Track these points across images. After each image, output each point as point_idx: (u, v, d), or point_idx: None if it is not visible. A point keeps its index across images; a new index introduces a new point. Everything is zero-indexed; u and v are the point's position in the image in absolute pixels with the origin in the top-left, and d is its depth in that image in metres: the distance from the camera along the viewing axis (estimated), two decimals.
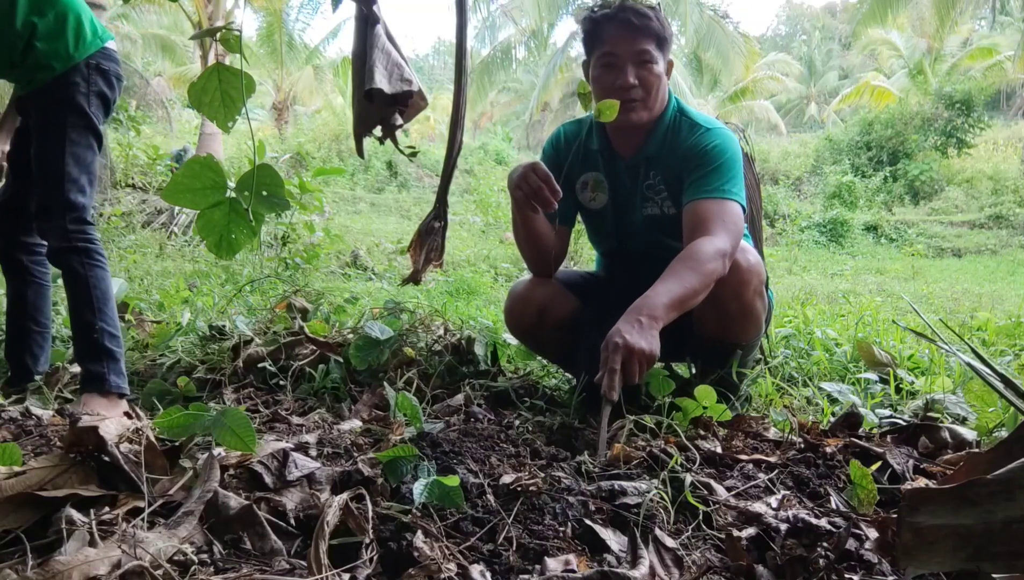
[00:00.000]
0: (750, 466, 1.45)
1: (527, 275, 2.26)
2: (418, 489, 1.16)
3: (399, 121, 2.40)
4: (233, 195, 1.34)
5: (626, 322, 1.62)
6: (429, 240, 2.78)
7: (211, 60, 15.50)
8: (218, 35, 1.36)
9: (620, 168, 2.11)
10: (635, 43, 1.93)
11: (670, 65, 2.03)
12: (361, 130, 2.43)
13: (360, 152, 2.50)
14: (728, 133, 2.02)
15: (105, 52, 2.23)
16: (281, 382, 2.23)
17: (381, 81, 2.27)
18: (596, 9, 1.99)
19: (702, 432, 1.71)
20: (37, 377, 2.34)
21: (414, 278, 2.80)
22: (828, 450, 1.53)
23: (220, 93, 1.37)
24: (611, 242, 2.27)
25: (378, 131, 2.43)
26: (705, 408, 1.77)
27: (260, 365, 2.31)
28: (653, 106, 1.99)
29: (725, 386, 1.97)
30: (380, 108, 2.34)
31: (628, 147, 2.08)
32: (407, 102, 2.37)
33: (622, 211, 2.14)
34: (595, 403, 1.70)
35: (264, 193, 1.36)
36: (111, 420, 1.31)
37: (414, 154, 2.55)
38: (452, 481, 1.18)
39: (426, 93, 2.49)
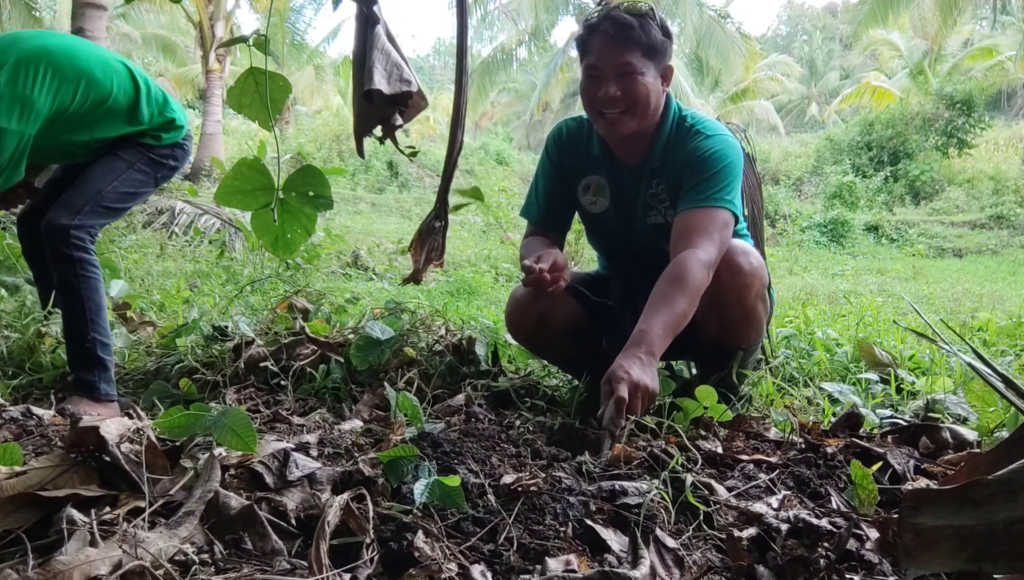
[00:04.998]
0: (751, 466, 1.45)
1: None
2: (419, 489, 1.16)
3: (399, 121, 2.39)
4: (282, 196, 1.36)
5: (628, 358, 1.62)
6: (430, 240, 2.78)
7: (212, 60, 15.54)
8: (251, 40, 1.39)
9: (623, 174, 2.09)
10: (617, 55, 1.89)
11: (668, 71, 1.98)
12: (361, 130, 2.42)
13: (360, 152, 2.50)
14: (728, 139, 1.99)
15: (185, 141, 2.38)
16: (282, 382, 2.23)
17: (380, 82, 2.26)
18: (592, 17, 1.96)
19: (703, 432, 1.71)
20: None
21: (415, 278, 2.80)
22: (829, 450, 1.53)
23: (258, 96, 1.38)
24: (612, 245, 2.26)
25: (378, 131, 2.42)
26: (706, 408, 1.77)
27: (261, 365, 2.31)
28: (642, 115, 1.95)
29: (726, 387, 1.97)
30: (380, 108, 2.34)
31: (630, 155, 2.06)
32: (407, 102, 2.37)
33: (624, 217, 2.13)
34: (597, 405, 1.71)
35: (311, 193, 1.38)
36: (112, 420, 1.32)
37: (414, 154, 2.55)
38: (453, 481, 1.17)
39: (426, 93, 2.49)
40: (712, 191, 1.88)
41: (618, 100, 1.90)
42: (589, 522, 1.16)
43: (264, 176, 1.35)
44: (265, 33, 1.41)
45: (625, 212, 2.12)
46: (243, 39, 1.42)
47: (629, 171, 2.07)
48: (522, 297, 2.15)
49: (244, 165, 1.34)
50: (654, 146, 2.02)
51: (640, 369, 1.60)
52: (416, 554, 1.00)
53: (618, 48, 1.89)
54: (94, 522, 1.03)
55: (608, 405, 1.57)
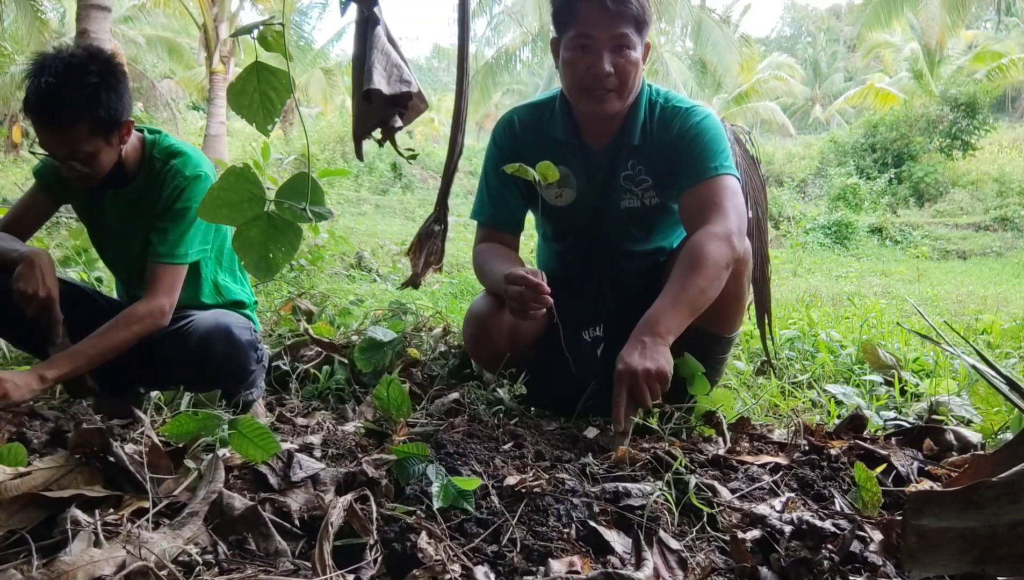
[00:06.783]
0: (755, 468, 1.45)
1: (483, 293, 2.02)
2: (436, 491, 1.16)
3: (398, 123, 2.38)
4: (272, 208, 1.19)
5: (629, 346, 1.58)
6: (428, 243, 2.78)
7: (216, 62, 15.58)
8: (255, 32, 1.24)
9: (594, 159, 1.97)
10: (612, 27, 1.75)
11: (647, 48, 1.87)
12: (360, 131, 2.41)
13: (359, 154, 2.49)
14: (704, 108, 1.93)
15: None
16: (287, 383, 2.23)
17: (380, 82, 2.25)
18: None
19: (707, 434, 1.70)
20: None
21: (413, 281, 2.81)
22: (833, 452, 1.52)
23: (259, 94, 1.24)
24: (577, 239, 2.08)
25: (377, 133, 2.42)
26: (714, 412, 1.77)
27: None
28: (627, 96, 1.86)
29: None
30: (379, 109, 2.33)
31: (601, 136, 1.95)
32: (406, 104, 2.35)
33: (596, 205, 1.99)
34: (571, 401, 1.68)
35: (305, 205, 1.21)
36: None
37: (413, 156, 2.54)
38: (469, 484, 1.17)
39: (428, 95, 2.49)
40: (711, 162, 1.83)
41: (610, 77, 1.78)
42: (592, 523, 1.16)
43: (255, 185, 1.17)
44: (282, 22, 1.25)
45: (598, 199, 1.99)
46: (251, 28, 1.26)
47: (600, 153, 1.96)
48: (487, 314, 1.93)
49: (233, 173, 1.16)
50: (628, 126, 1.92)
51: (641, 355, 1.55)
52: (420, 555, 1.00)
53: (614, 20, 1.75)
54: (98, 522, 1.04)
55: (615, 408, 1.54)
